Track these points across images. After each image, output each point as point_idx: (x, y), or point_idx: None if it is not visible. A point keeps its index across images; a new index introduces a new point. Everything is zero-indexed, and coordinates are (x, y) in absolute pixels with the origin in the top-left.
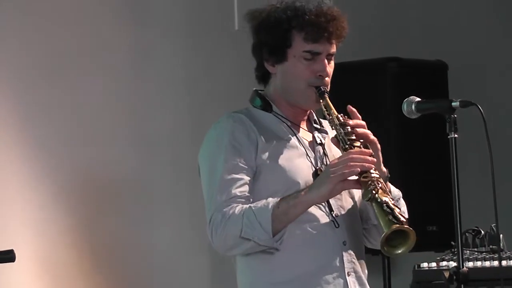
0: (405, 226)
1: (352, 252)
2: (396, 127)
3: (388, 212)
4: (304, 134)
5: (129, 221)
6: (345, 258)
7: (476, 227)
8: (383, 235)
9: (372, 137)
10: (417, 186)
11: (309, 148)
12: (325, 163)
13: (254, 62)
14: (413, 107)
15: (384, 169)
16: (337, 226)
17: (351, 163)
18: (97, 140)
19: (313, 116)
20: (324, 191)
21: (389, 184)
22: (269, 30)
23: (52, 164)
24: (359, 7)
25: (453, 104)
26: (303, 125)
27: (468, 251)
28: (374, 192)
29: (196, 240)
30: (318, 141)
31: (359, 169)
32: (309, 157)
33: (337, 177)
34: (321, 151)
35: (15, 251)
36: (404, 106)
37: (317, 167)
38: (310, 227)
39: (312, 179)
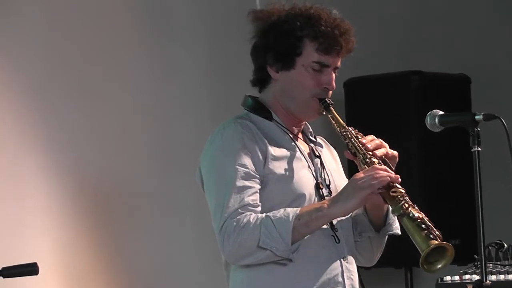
0: (444, 242)
1: (350, 268)
2: (419, 141)
3: (423, 228)
4: (303, 145)
5: (150, 231)
6: (345, 274)
7: (499, 240)
8: (424, 252)
9: (390, 152)
10: (440, 199)
11: (309, 160)
12: (323, 176)
13: None
14: (436, 120)
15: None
16: (337, 241)
17: (377, 175)
18: (118, 151)
19: (309, 128)
20: (350, 206)
21: None
22: (280, 35)
23: (74, 176)
24: (381, 21)
25: (476, 117)
26: (300, 136)
27: (491, 265)
28: (405, 207)
29: (216, 250)
30: (316, 154)
31: (388, 179)
32: (310, 169)
33: (366, 190)
34: (319, 163)
35: (38, 264)
36: (427, 120)
37: (318, 180)
38: (314, 242)
39: (314, 191)
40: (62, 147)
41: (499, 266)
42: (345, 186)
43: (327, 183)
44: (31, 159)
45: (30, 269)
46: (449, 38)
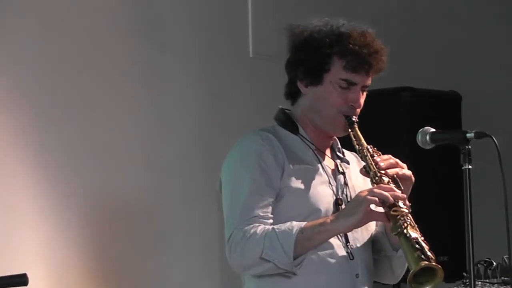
0: (433, 263)
1: (363, 286)
2: (409, 157)
3: (417, 248)
4: (328, 161)
5: (141, 246)
6: None
7: (488, 258)
8: (411, 271)
9: (403, 172)
10: (429, 216)
11: (332, 176)
12: (345, 193)
13: (267, 90)
14: (427, 137)
15: (407, 203)
16: (351, 258)
17: (377, 192)
18: (109, 166)
19: (337, 145)
20: (351, 222)
21: None
22: (310, 51)
23: (64, 188)
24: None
25: (467, 135)
26: (327, 151)
27: (480, 282)
28: (403, 227)
29: (207, 266)
30: (341, 170)
31: (386, 196)
32: (331, 185)
33: (364, 204)
34: (342, 180)
35: (28, 275)
36: (419, 137)
37: (338, 197)
38: (326, 257)
39: (332, 207)
40: (53, 159)
41: (488, 284)
42: (348, 203)
43: (349, 200)
44: (23, 170)
45: (20, 280)
46: (440, 55)
